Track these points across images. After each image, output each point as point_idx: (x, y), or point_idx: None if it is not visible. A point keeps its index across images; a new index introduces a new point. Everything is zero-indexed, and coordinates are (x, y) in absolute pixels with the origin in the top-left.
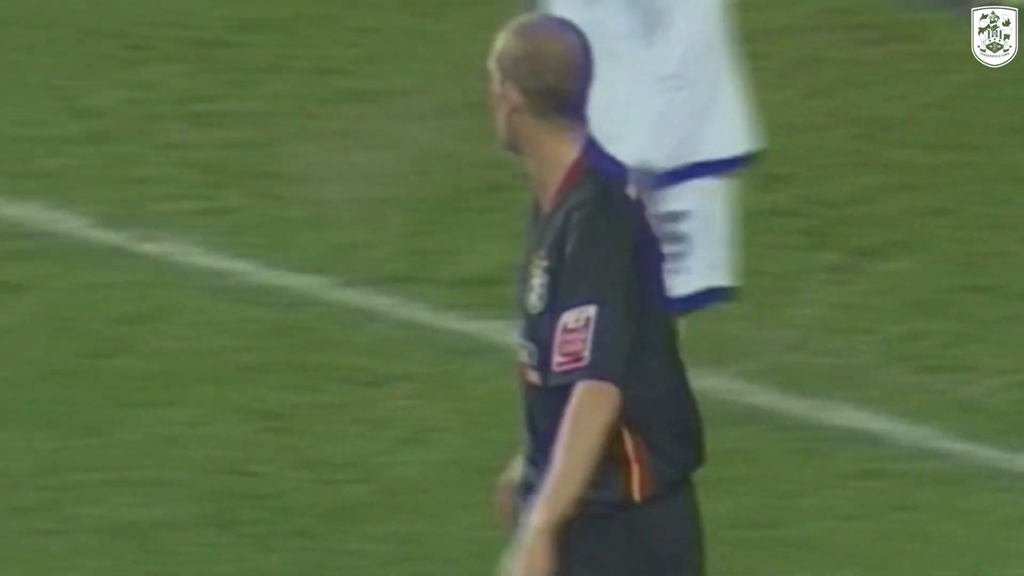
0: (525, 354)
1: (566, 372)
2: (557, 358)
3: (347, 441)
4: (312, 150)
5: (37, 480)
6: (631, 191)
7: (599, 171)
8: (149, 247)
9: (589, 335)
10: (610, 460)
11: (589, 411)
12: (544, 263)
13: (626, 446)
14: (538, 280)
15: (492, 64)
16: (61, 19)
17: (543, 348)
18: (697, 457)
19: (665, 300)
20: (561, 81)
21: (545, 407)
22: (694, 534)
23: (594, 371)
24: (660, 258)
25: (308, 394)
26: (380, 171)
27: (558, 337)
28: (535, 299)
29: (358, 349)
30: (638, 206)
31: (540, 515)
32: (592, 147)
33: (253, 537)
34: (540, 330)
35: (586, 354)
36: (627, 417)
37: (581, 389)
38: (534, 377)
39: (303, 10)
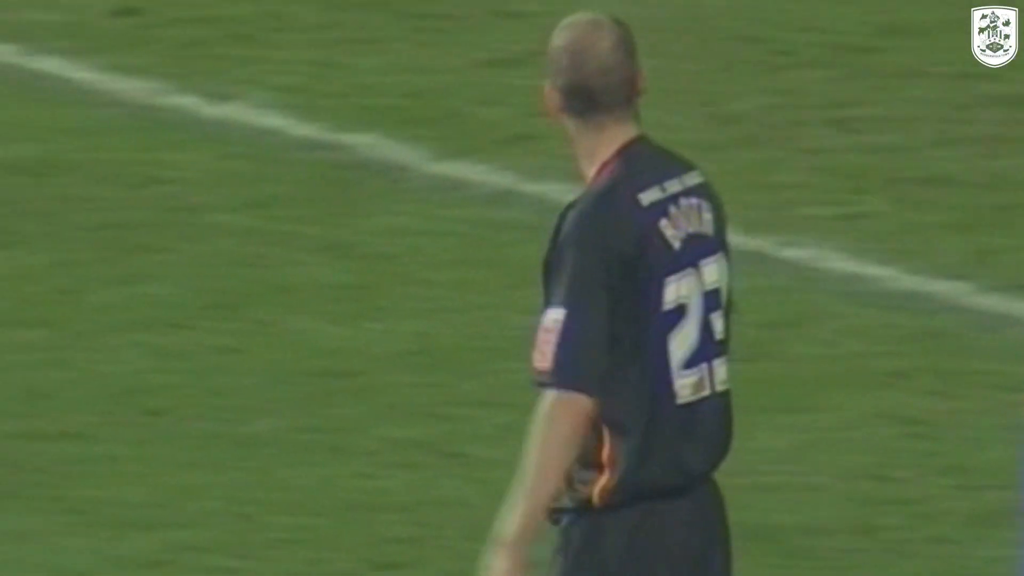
0: None
1: (536, 371)
2: (534, 354)
3: (988, 447)
4: (953, 155)
5: None
6: (652, 195)
7: (624, 171)
8: (791, 252)
9: (553, 340)
10: (587, 463)
11: (547, 423)
12: (543, 256)
13: (602, 453)
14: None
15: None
16: (705, 25)
17: None
18: (673, 479)
19: (662, 315)
20: (599, 78)
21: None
22: (657, 552)
23: (558, 379)
24: (667, 268)
25: (948, 400)
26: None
27: (538, 335)
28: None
29: (998, 355)
30: (649, 212)
31: (505, 527)
32: (636, 147)
33: (892, 543)
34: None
35: (549, 359)
36: (608, 421)
37: (545, 399)
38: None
39: (945, 15)
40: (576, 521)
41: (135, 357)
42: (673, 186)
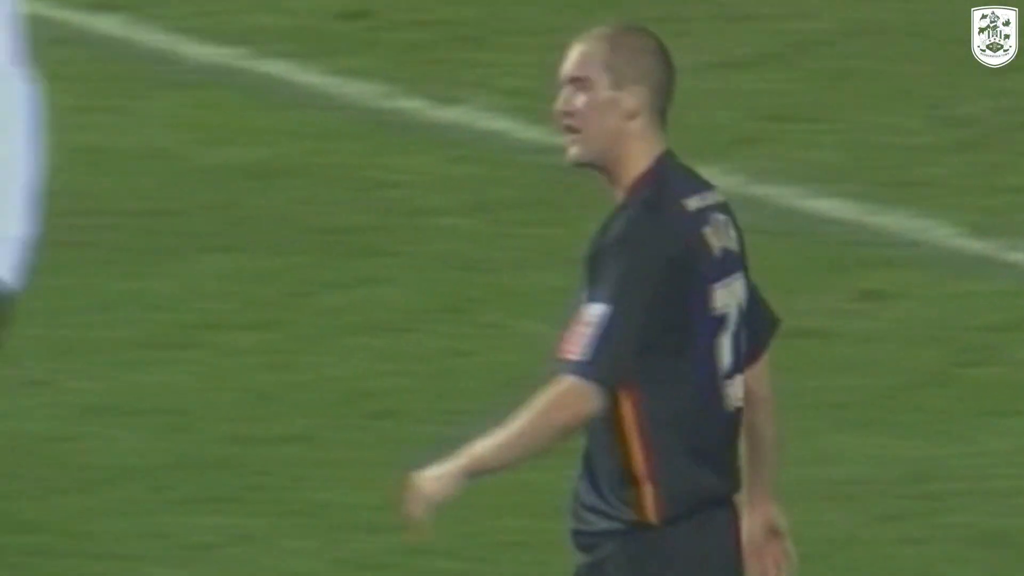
0: None
1: (560, 359)
2: (564, 343)
3: None
4: None
5: (907, 488)
6: (694, 203)
7: (667, 178)
8: (1015, 256)
9: (591, 333)
10: (624, 478)
11: (555, 407)
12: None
13: (636, 464)
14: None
15: (589, 72)
16: (933, 28)
17: None
18: (724, 483)
19: (710, 320)
20: (666, 77)
21: None
22: (722, 559)
23: (581, 369)
24: (713, 275)
25: None
26: None
27: (572, 324)
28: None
29: None
30: (696, 219)
31: (471, 453)
32: (670, 157)
33: None
34: None
35: (579, 349)
36: (641, 433)
37: (561, 381)
38: None
39: None
40: (629, 542)
41: (360, 360)
42: (707, 199)
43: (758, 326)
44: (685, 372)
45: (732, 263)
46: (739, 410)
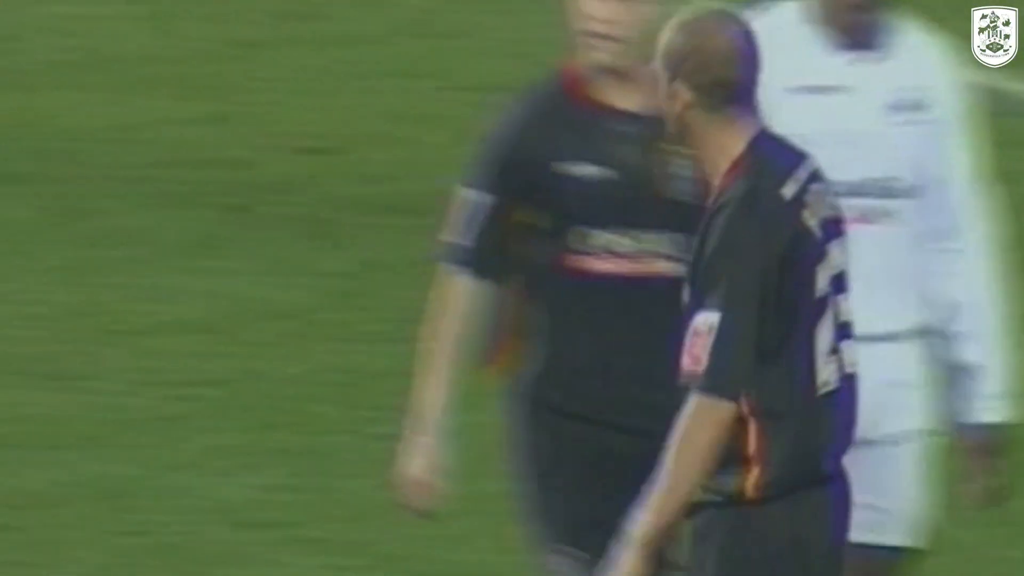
0: None
1: (687, 375)
2: (685, 358)
3: None
4: None
5: None
6: (790, 189)
7: (760, 166)
8: None
9: (709, 344)
10: (732, 457)
11: (697, 429)
12: (689, 257)
13: (748, 446)
14: (685, 275)
15: (659, 63)
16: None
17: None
18: (825, 461)
19: (815, 305)
20: (728, 72)
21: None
22: (820, 539)
23: (709, 385)
24: (816, 257)
25: None
26: None
27: (688, 338)
28: (683, 294)
29: None
30: (793, 207)
31: (638, 526)
32: (763, 139)
33: None
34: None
35: (703, 363)
36: (755, 418)
37: (694, 403)
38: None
39: None
40: (723, 515)
41: None
42: (802, 174)
43: None
44: (793, 357)
45: (834, 230)
46: (849, 376)
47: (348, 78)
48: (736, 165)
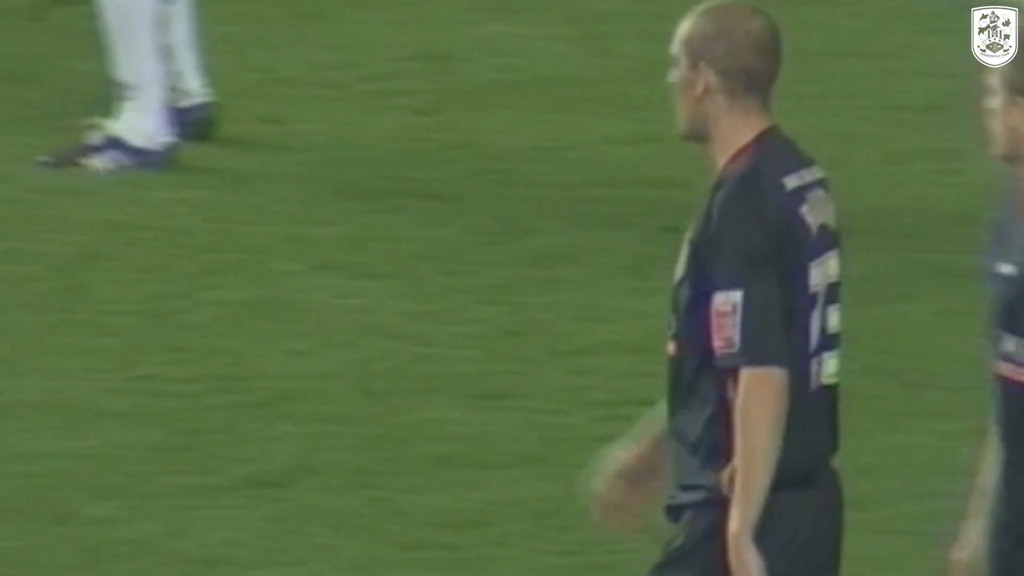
0: (670, 323)
1: (723, 356)
2: (716, 341)
3: None
4: None
5: None
6: (792, 181)
7: (764, 155)
8: None
9: (738, 321)
10: (720, 452)
11: (755, 406)
12: (688, 235)
13: (729, 435)
14: (683, 252)
15: (677, 49)
16: None
17: (679, 319)
18: (811, 459)
19: (807, 298)
20: (756, 60)
21: (677, 378)
22: (808, 535)
23: (750, 357)
24: (809, 253)
25: None
26: None
27: (713, 320)
28: (678, 269)
29: None
30: (793, 198)
31: (734, 521)
32: (772, 134)
33: None
34: (678, 302)
35: (736, 341)
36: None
37: (744, 380)
38: (671, 347)
39: None
40: (710, 514)
41: None
42: (807, 176)
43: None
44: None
45: (828, 240)
46: (827, 388)
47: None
48: (741, 152)
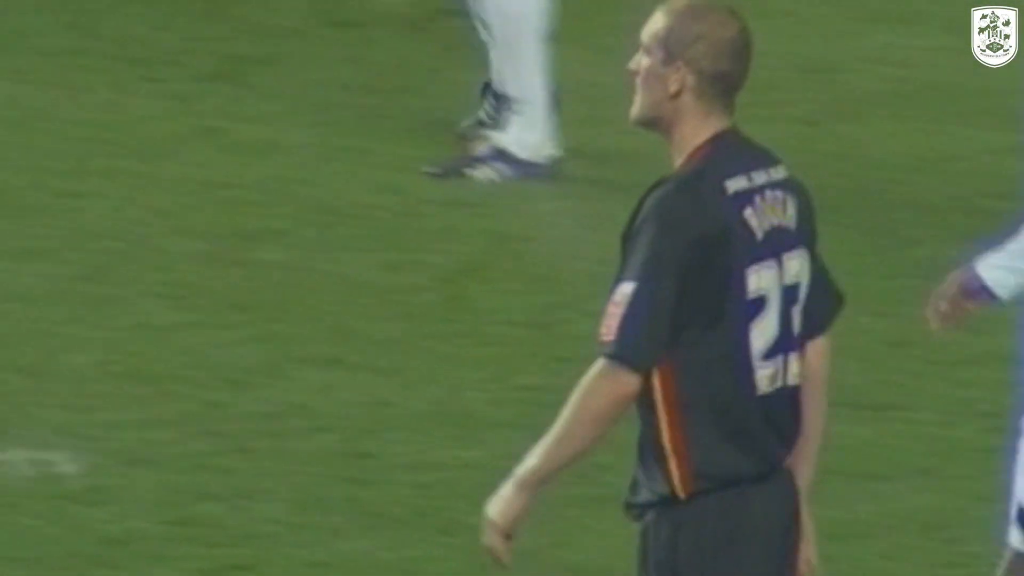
0: None
1: (600, 344)
2: (602, 328)
3: None
4: None
5: None
6: (738, 184)
7: (714, 157)
8: None
9: (620, 313)
10: (657, 452)
11: (594, 394)
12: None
13: (666, 439)
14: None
15: (650, 40)
16: None
17: None
18: (757, 463)
19: (745, 303)
20: (732, 65)
21: None
22: (756, 537)
23: (613, 354)
24: (750, 258)
25: None
26: None
27: (607, 307)
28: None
29: None
30: (735, 201)
31: (524, 467)
32: (728, 136)
33: None
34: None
35: (613, 331)
36: (670, 409)
37: (596, 369)
38: None
39: None
40: (663, 514)
41: None
42: (760, 178)
43: (817, 305)
44: (716, 353)
45: (787, 241)
46: (781, 391)
47: None
48: (696, 152)
